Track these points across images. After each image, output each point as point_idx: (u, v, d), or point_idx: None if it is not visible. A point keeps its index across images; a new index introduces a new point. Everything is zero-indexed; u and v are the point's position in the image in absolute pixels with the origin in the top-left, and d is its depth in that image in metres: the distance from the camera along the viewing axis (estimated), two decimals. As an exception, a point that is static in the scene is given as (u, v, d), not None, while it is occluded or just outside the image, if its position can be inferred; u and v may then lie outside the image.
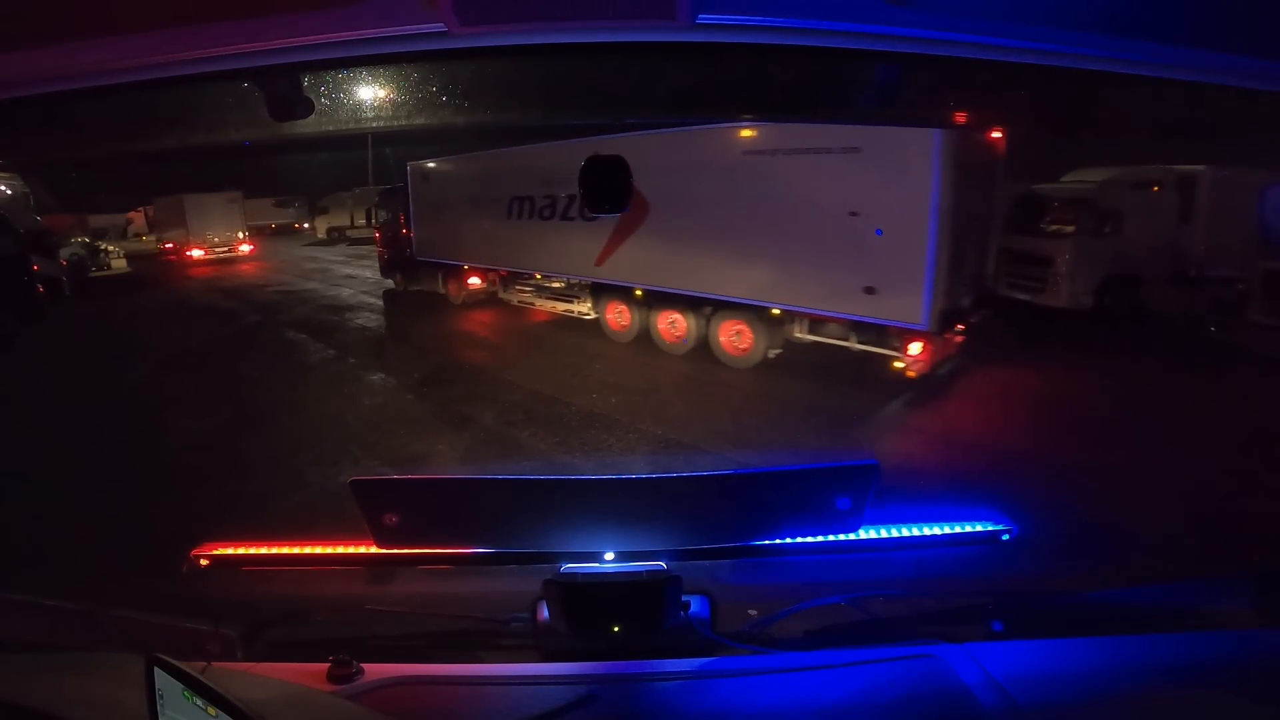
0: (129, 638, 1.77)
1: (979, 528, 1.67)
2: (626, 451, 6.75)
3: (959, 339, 8.38)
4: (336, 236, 22.92)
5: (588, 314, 10.78)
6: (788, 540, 1.61)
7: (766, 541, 1.61)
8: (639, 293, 9.84)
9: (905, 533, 1.67)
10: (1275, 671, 1.51)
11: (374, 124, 3.01)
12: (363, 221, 17.60)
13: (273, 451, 6.72)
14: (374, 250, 15.25)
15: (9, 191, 14.99)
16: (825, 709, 1.43)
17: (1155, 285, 10.57)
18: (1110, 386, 7.72)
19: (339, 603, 1.80)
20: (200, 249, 19.79)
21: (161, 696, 1.15)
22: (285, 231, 25.59)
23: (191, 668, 1.13)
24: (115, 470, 6.11)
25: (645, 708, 1.47)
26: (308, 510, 5.31)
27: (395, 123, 3.07)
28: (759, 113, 7.04)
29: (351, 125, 2.97)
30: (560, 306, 11.24)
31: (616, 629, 1.57)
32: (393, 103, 2.81)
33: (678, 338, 9.54)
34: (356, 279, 16.05)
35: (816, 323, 8.57)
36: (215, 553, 1.68)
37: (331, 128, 3.01)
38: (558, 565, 1.57)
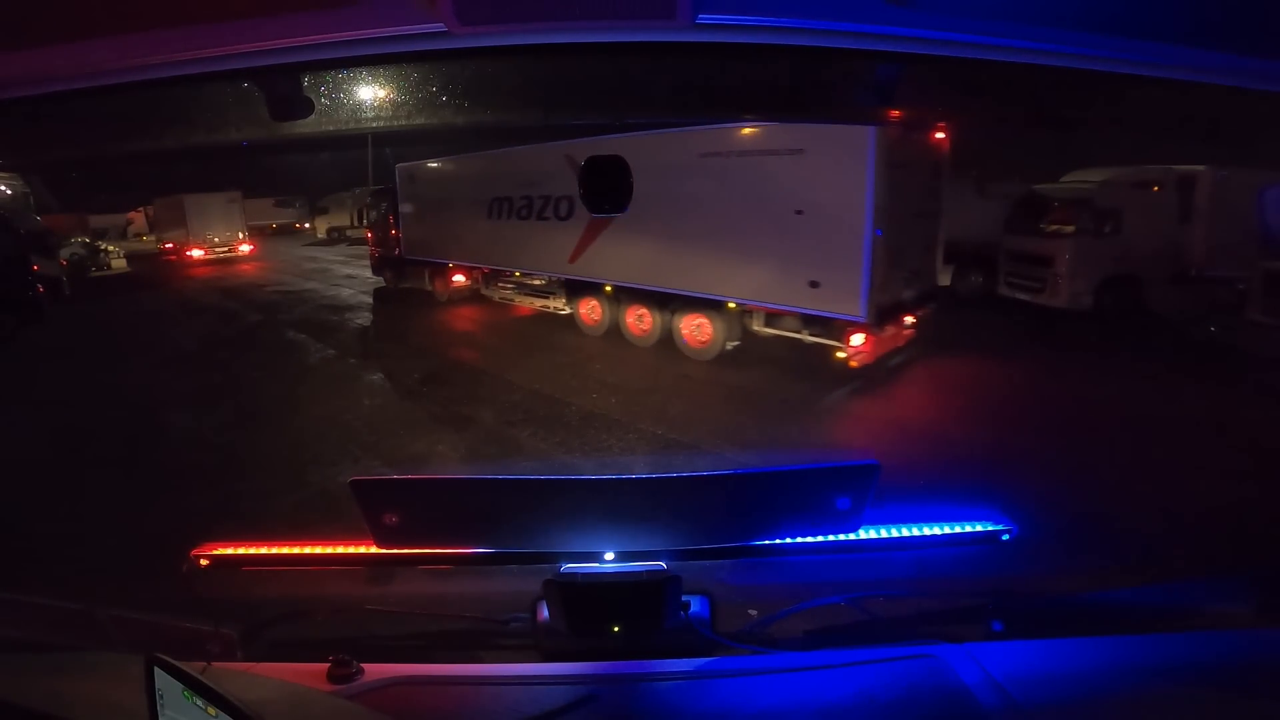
0: (129, 638, 1.77)
1: (979, 528, 1.67)
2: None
3: (909, 332, 8.82)
4: (336, 236, 22.90)
5: (563, 309, 11.23)
6: (788, 540, 1.61)
7: (766, 541, 1.61)
8: (609, 289, 10.34)
9: (905, 533, 1.67)
10: (1275, 671, 1.51)
11: (374, 124, 3.01)
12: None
13: (273, 451, 6.72)
14: (374, 251, 15.49)
15: (9, 191, 14.98)
16: (825, 709, 1.43)
17: (1155, 285, 10.58)
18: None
19: (339, 603, 1.80)
20: (200, 249, 19.76)
21: (161, 696, 1.15)
22: (285, 231, 25.56)
23: (191, 668, 1.13)
24: (115, 470, 6.12)
25: (645, 708, 1.47)
26: (307, 510, 5.31)
27: (395, 123, 3.08)
28: (756, 112, 7.35)
29: (351, 125, 2.97)
30: (538, 303, 11.70)
31: (616, 629, 1.57)
32: (393, 103, 2.81)
33: (644, 331, 10.05)
34: (356, 279, 16.05)
35: (773, 316, 8.97)
36: (215, 553, 1.68)
37: (331, 128, 3.01)
38: (558, 565, 1.57)
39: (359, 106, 2.79)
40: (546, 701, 1.42)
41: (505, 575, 1.74)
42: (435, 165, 13.21)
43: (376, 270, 15.02)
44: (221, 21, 1.33)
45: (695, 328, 9.45)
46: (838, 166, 7.88)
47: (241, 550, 1.70)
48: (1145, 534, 4.51)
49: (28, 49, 1.36)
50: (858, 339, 8.13)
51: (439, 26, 1.33)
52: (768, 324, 9.05)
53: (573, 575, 1.55)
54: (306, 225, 25.63)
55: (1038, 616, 1.79)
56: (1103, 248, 10.56)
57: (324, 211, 24.18)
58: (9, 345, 10.45)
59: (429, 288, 13.56)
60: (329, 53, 1.44)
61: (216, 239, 20.06)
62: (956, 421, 7.30)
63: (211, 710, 1.09)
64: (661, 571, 1.55)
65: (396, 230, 13.93)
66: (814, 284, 8.19)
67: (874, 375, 8.32)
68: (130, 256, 19.82)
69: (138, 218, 23.88)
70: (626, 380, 8.95)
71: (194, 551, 1.67)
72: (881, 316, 8.12)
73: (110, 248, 19.75)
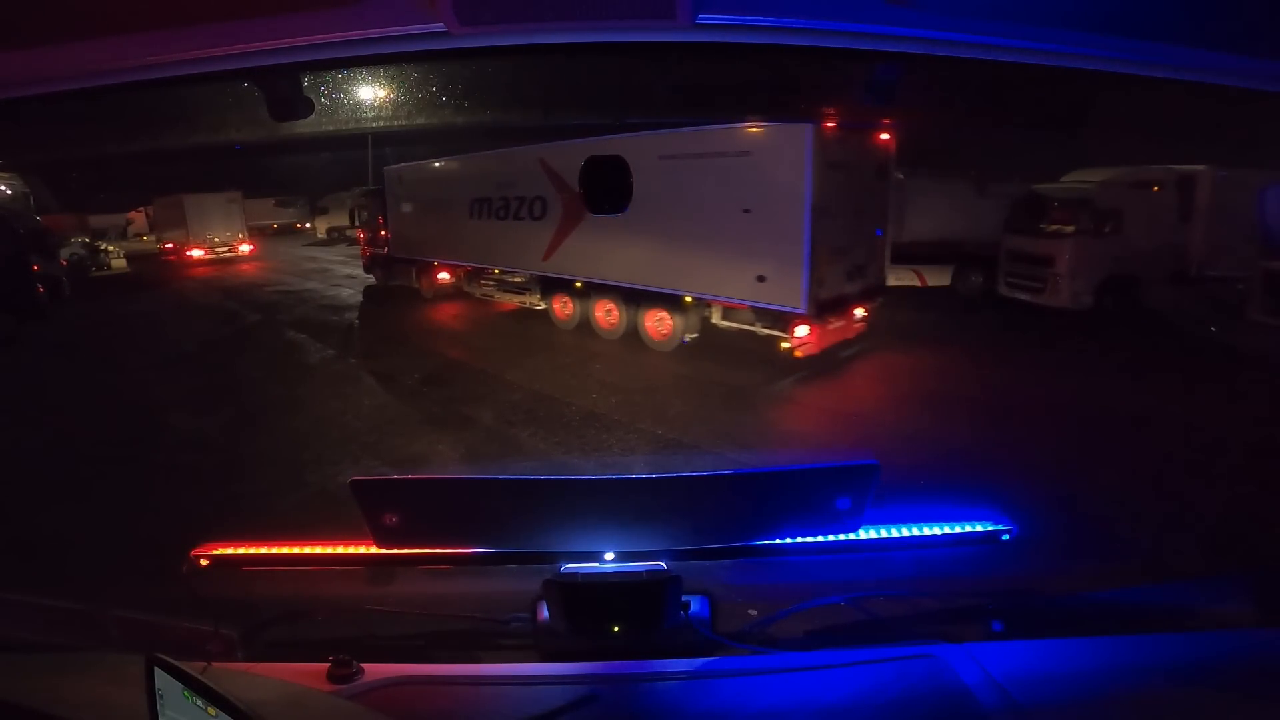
0: (129, 638, 1.77)
1: (979, 528, 1.67)
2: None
3: (859, 325, 9.46)
4: (336, 236, 22.92)
5: (539, 305, 11.80)
6: (788, 540, 1.61)
7: (766, 541, 1.61)
8: (579, 284, 10.89)
9: (905, 533, 1.67)
10: (1275, 671, 1.51)
11: (374, 124, 3.01)
12: (361, 222, 17.99)
13: (273, 451, 6.72)
14: (374, 251, 15.77)
15: (9, 191, 14.98)
16: (825, 709, 1.43)
17: (1155, 285, 10.59)
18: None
19: (339, 603, 1.80)
20: (200, 249, 19.78)
21: (161, 696, 1.15)
22: (286, 231, 25.60)
23: (191, 668, 1.13)
24: (115, 470, 6.11)
25: (645, 708, 1.47)
26: (307, 510, 5.31)
27: (395, 123, 3.08)
28: (755, 112, 7.59)
29: (351, 125, 2.97)
30: (516, 299, 12.23)
31: (616, 629, 1.57)
32: (393, 103, 2.82)
33: (612, 325, 10.65)
34: (356, 279, 16.08)
35: (729, 310, 9.51)
36: (215, 553, 1.67)
37: (331, 128, 3.01)
38: (558, 565, 1.57)
39: (359, 106, 2.79)
40: (546, 701, 1.42)
41: (505, 575, 1.73)
42: (420, 167, 13.77)
43: (367, 269, 15.58)
44: (221, 21, 1.33)
45: (658, 321, 10.02)
46: (779, 166, 8.39)
47: (241, 550, 1.70)
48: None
49: (28, 49, 1.36)
50: (802, 330, 8.62)
51: (439, 26, 1.33)
52: (725, 317, 9.58)
53: (573, 575, 1.55)
54: (307, 225, 25.67)
55: (1038, 616, 1.79)
56: (1103, 248, 10.57)
57: (324, 211, 24.21)
58: (9, 345, 10.45)
59: (415, 285, 14.10)
60: (329, 53, 1.44)
61: (216, 239, 20.07)
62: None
63: (211, 710, 1.09)
64: (661, 571, 1.55)
65: (385, 230, 14.62)
66: (760, 278, 8.68)
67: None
68: (130, 256, 19.83)
69: (138, 218, 23.90)
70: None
71: (194, 551, 1.67)
72: (822, 309, 8.61)
73: (110, 248, 19.76)
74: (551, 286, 11.37)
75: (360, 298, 14.69)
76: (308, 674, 1.53)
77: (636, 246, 9.68)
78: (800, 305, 8.47)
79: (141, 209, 23.49)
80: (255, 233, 21.47)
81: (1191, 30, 1.38)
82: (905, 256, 12.79)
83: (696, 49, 1.52)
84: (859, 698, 1.45)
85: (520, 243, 11.38)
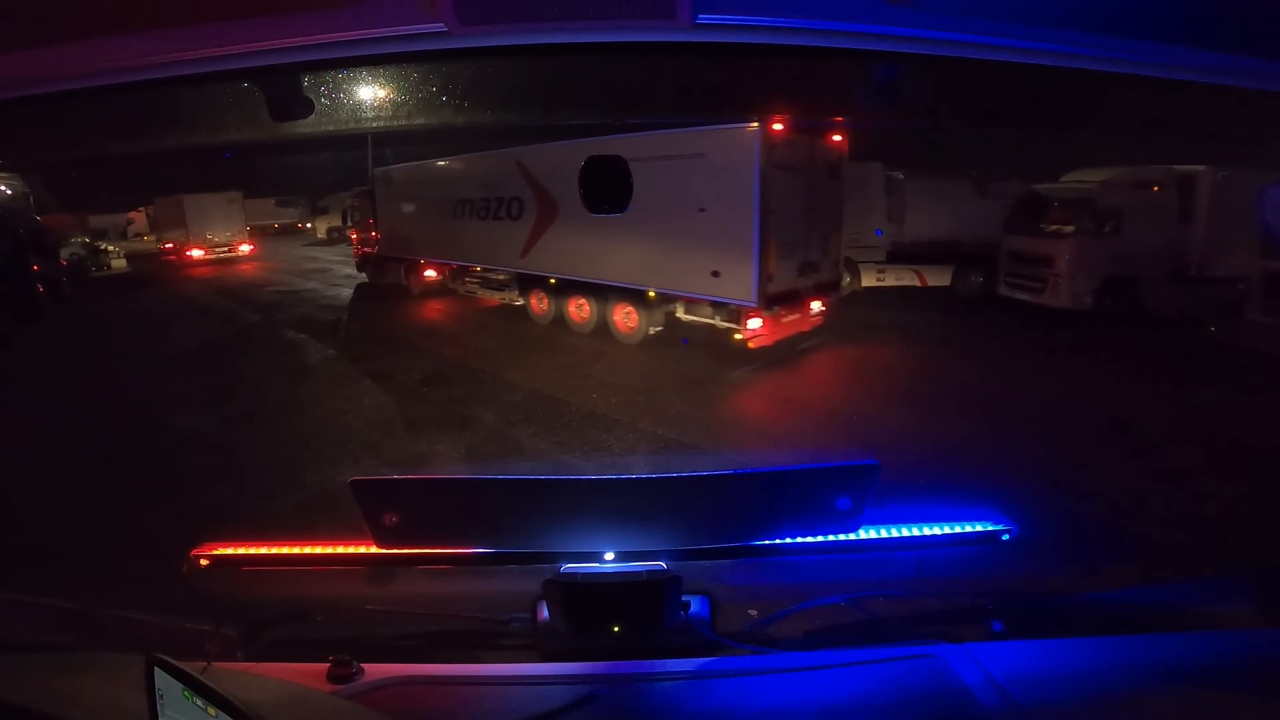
0: (129, 638, 1.77)
1: (979, 528, 1.67)
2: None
3: (816, 319, 10.04)
4: (337, 236, 22.89)
5: (518, 301, 12.36)
6: (788, 540, 1.61)
7: (766, 541, 1.61)
8: (553, 281, 11.41)
9: (905, 533, 1.67)
10: (1275, 671, 1.51)
11: (374, 124, 3.01)
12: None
13: (273, 451, 6.72)
14: (375, 251, 16.01)
15: (9, 191, 14.96)
16: (825, 709, 1.43)
17: (1155, 285, 10.59)
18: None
19: (339, 603, 1.80)
20: (200, 249, 19.78)
21: (161, 696, 1.15)
22: (287, 231, 25.59)
23: (191, 668, 1.13)
24: (115, 469, 6.11)
25: (645, 708, 1.46)
26: (307, 510, 5.31)
27: (395, 123, 3.07)
28: (752, 112, 8.08)
29: (351, 125, 2.97)
30: (498, 295, 12.77)
31: (616, 629, 1.57)
32: (393, 103, 2.81)
33: (584, 319, 11.17)
34: (356, 278, 16.11)
35: (691, 304, 9.99)
36: (215, 553, 1.67)
37: (331, 128, 3.01)
38: (558, 565, 1.57)
39: (359, 106, 2.79)
40: (546, 701, 1.41)
41: (505, 575, 1.73)
42: (407, 169, 14.33)
43: (360, 267, 16.18)
44: (221, 21, 1.33)
45: (625, 315, 10.57)
46: (730, 165, 8.86)
47: (241, 550, 1.69)
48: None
49: (28, 49, 1.36)
50: (754, 323, 9.11)
51: (439, 26, 1.33)
52: (688, 312, 10.11)
53: (573, 575, 1.55)
54: (307, 225, 25.68)
55: (1038, 616, 1.79)
56: (1103, 248, 10.57)
57: (324, 211, 24.23)
58: (9, 345, 10.44)
59: (403, 282, 14.67)
60: (329, 53, 1.44)
61: (216, 239, 20.08)
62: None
63: (211, 710, 1.09)
64: (661, 571, 1.55)
65: (375, 230, 15.15)
66: (715, 273, 9.16)
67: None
68: (130, 256, 19.79)
69: (138, 218, 23.87)
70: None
71: (194, 551, 1.66)
72: (773, 302, 9.09)
73: (110, 248, 19.72)
74: (529, 283, 11.89)
75: (360, 298, 14.72)
76: (308, 674, 1.52)
77: (605, 245, 10.17)
78: (751, 299, 8.91)
79: (142, 209, 23.46)
80: (256, 233, 21.48)
81: (1191, 30, 1.38)
82: (905, 256, 12.85)
83: (696, 49, 1.52)
84: (859, 698, 1.45)
85: (500, 242, 11.89)
